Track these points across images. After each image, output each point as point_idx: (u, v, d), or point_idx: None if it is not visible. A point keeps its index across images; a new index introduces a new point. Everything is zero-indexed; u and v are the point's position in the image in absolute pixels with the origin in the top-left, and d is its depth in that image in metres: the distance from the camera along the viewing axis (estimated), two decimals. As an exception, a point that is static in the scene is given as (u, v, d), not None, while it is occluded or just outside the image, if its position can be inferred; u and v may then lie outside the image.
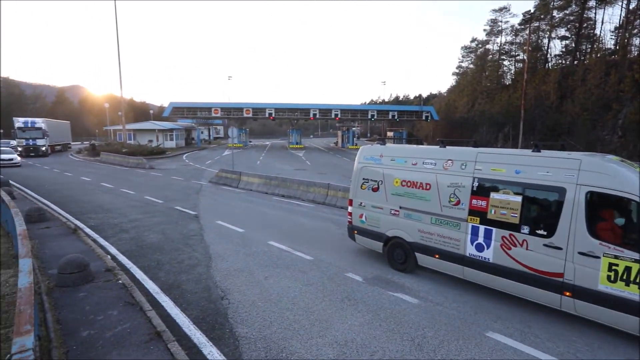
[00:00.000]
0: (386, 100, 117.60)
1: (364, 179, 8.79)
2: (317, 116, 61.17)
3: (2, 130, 64.86)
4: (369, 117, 61.89)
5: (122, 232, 11.16)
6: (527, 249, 6.14)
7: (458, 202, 7.01)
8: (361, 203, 8.81)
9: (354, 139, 70.28)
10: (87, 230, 11.33)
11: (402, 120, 64.47)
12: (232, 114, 60.05)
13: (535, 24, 56.85)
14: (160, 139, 55.55)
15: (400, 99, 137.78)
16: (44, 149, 41.36)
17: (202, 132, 72.32)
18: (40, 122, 42.02)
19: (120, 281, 7.29)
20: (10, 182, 18.56)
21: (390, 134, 70.86)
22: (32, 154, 40.06)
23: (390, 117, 61.94)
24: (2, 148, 35.36)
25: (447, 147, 7.69)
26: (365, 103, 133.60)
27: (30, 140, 40.39)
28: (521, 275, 6.20)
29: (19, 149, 39.08)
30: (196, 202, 15.81)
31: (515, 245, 6.26)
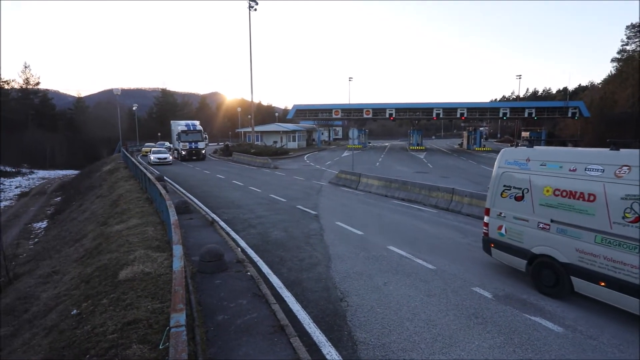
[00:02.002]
0: (521, 96, 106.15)
1: (504, 186, 7.97)
2: (441, 116, 58.56)
3: (159, 134, 77.97)
4: (500, 115, 56.80)
5: (250, 227, 12.33)
6: None
7: (637, 219, 5.78)
8: (500, 213, 8.01)
9: (482, 140, 65.34)
10: (222, 223, 12.80)
11: (541, 119, 57.58)
12: (352, 115, 61.46)
13: None
14: (284, 140, 59.91)
15: (539, 93, 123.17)
16: (203, 152, 40.89)
17: (322, 134, 75.71)
18: (198, 124, 42.01)
19: (248, 273, 8.06)
20: (164, 177, 22.17)
21: (525, 134, 63.96)
22: (194, 157, 39.74)
23: (526, 114, 55.93)
24: (158, 148, 42.62)
25: (622, 149, 6.39)
26: (495, 100, 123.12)
27: (193, 143, 39.84)
28: None
29: (183, 152, 39.24)
30: (316, 202, 16.58)
31: None
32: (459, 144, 73.56)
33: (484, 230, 8.43)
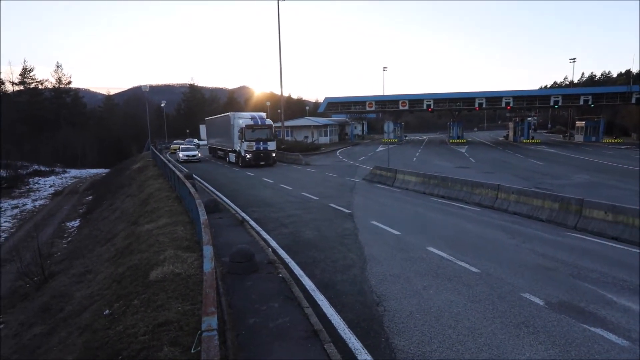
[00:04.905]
0: (575, 81, 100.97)
1: None
2: (484, 105, 56.99)
3: (188, 130, 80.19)
4: (551, 103, 54.54)
5: (281, 226, 12.45)
6: None
7: None
8: None
9: (530, 131, 62.89)
10: (252, 222, 13.00)
11: (599, 106, 54.71)
12: (387, 107, 60.81)
13: None
14: (315, 135, 60.06)
15: (597, 78, 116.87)
16: (274, 154, 32.09)
17: (355, 127, 75.36)
18: (266, 117, 32.81)
19: (280, 275, 8.14)
20: (193, 175, 22.77)
21: (580, 123, 60.92)
22: (262, 162, 30.98)
23: (581, 102, 53.33)
24: (187, 146, 43.85)
25: None
26: (545, 87, 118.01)
27: (261, 143, 30.76)
28: None
29: (247, 156, 30.45)
30: (350, 200, 16.52)
31: None
32: (504, 136, 71.17)
33: None
